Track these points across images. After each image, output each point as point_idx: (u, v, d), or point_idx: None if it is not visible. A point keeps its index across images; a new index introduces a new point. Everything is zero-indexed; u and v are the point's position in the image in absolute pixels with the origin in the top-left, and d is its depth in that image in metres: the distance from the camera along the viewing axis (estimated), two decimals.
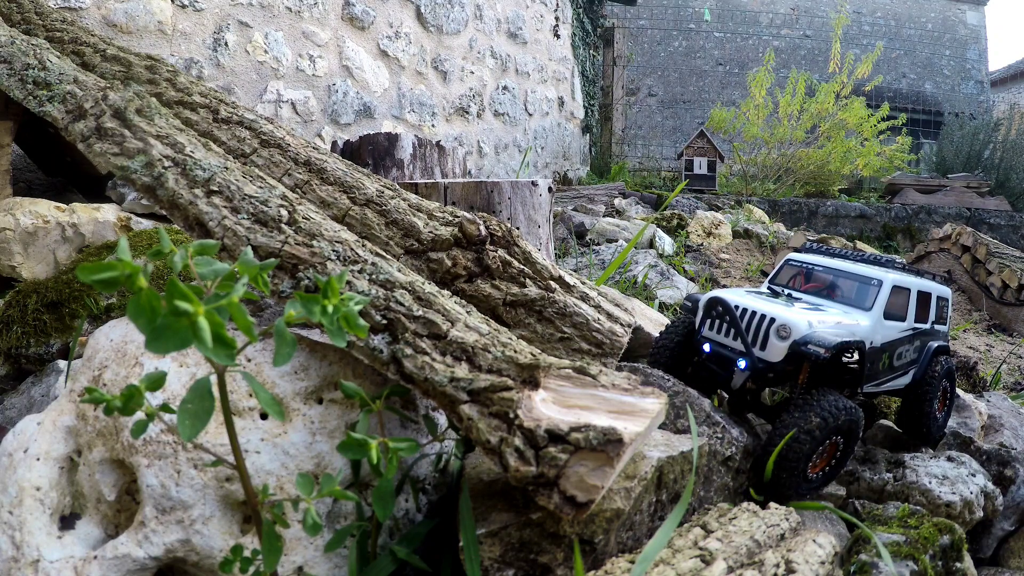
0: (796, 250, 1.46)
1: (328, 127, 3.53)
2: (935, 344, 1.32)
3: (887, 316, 1.20)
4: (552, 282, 1.08)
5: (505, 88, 5.24)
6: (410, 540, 0.82)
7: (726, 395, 1.27)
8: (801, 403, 1.06)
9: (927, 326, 1.32)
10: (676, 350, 1.26)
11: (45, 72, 1.09)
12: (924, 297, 1.31)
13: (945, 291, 1.40)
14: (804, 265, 1.34)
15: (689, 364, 1.27)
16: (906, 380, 1.27)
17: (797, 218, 6.39)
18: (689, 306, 1.24)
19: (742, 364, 1.12)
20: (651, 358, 1.27)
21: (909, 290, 1.26)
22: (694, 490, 0.93)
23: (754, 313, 1.12)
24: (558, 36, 6.15)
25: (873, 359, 1.16)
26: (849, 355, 1.13)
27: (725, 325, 1.17)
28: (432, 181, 1.58)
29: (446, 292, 0.91)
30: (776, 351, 1.08)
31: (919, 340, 1.29)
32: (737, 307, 1.15)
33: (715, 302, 1.16)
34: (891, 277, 1.23)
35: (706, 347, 1.19)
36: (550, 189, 1.67)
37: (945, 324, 1.40)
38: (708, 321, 1.19)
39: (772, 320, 1.09)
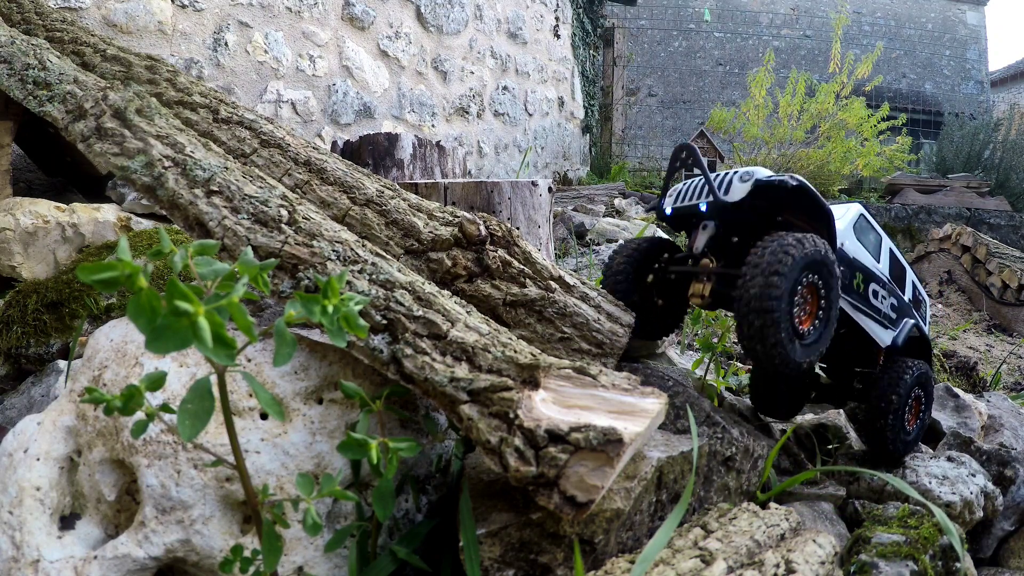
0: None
1: (328, 127, 3.53)
2: (911, 322, 1.27)
3: (860, 241, 1.17)
4: (552, 282, 1.08)
5: (505, 88, 5.24)
6: (410, 540, 0.82)
7: (688, 308, 1.21)
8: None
9: (904, 297, 1.28)
10: (634, 263, 1.20)
11: (45, 72, 1.09)
12: (897, 262, 1.28)
13: (920, 286, 1.37)
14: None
15: (644, 285, 1.22)
16: (884, 336, 1.20)
17: None
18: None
19: (703, 206, 1.06)
20: (606, 277, 1.22)
21: (880, 237, 1.24)
22: (694, 490, 0.93)
23: (721, 173, 1.08)
24: (558, 36, 6.15)
25: (846, 267, 1.12)
26: (815, 199, 1.04)
27: (687, 186, 1.12)
28: (432, 181, 1.58)
29: (446, 292, 0.91)
30: (738, 191, 1.02)
31: (896, 301, 1.24)
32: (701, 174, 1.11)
33: (682, 148, 1.10)
34: (857, 206, 1.22)
35: (668, 209, 1.14)
36: (550, 189, 1.67)
37: (924, 315, 1.36)
38: (670, 192, 1.16)
39: (735, 170, 1.06)
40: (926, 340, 1.32)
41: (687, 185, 1.13)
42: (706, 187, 1.06)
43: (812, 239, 0.95)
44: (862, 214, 1.21)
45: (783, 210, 1.07)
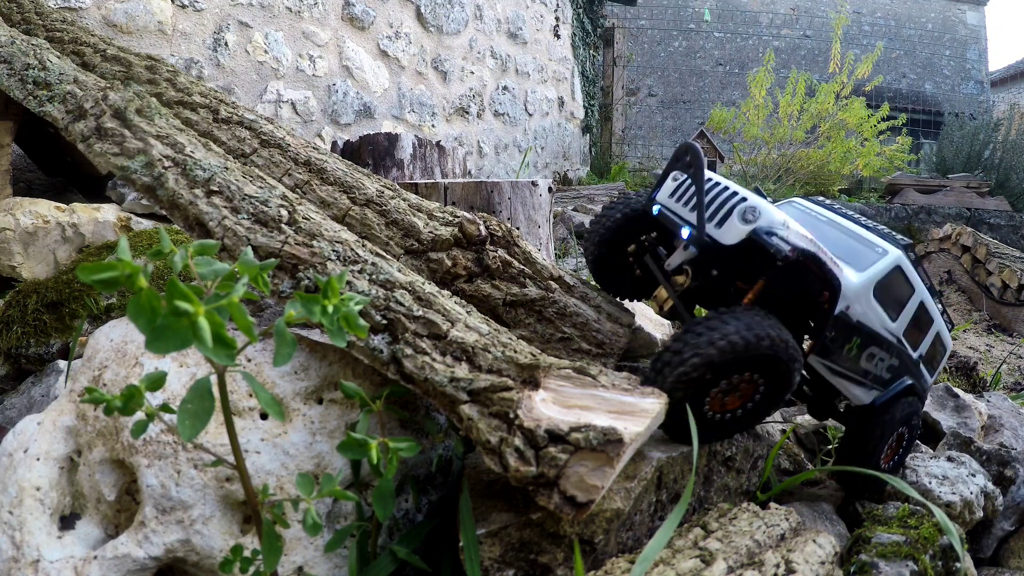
0: (804, 196, 1.25)
1: (328, 127, 3.53)
2: (910, 381, 1.09)
3: (877, 298, 1.00)
4: (552, 282, 1.08)
5: (505, 88, 5.24)
6: (410, 540, 0.82)
7: (660, 302, 1.06)
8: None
9: (914, 354, 1.09)
10: (617, 230, 1.11)
11: (45, 72, 1.09)
12: (923, 316, 1.09)
13: (947, 335, 1.17)
14: (805, 210, 1.15)
15: (625, 252, 1.14)
16: (863, 397, 1.06)
17: None
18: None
19: (685, 232, 0.95)
20: (586, 241, 1.15)
21: (913, 289, 1.06)
22: (694, 490, 0.93)
23: (726, 188, 0.94)
24: (558, 36, 6.15)
25: (841, 332, 0.97)
26: (819, 270, 0.90)
27: (684, 189, 1.00)
28: (432, 181, 1.59)
29: (446, 292, 0.91)
30: (732, 232, 0.89)
31: (899, 360, 1.06)
32: (710, 180, 0.96)
33: (686, 148, 0.97)
34: (898, 253, 1.02)
35: (655, 208, 1.03)
36: (550, 189, 1.68)
37: (933, 372, 1.17)
38: (668, 182, 1.05)
39: (743, 200, 0.91)
40: (920, 396, 1.14)
41: (687, 187, 1.01)
42: (696, 201, 0.94)
43: (773, 339, 0.83)
44: (899, 267, 1.02)
45: (811, 271, 0.91)
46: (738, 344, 0.81)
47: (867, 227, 1.09)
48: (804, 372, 1.09)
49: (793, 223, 0.90)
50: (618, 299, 1.20)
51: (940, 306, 1.14)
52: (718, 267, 0.97)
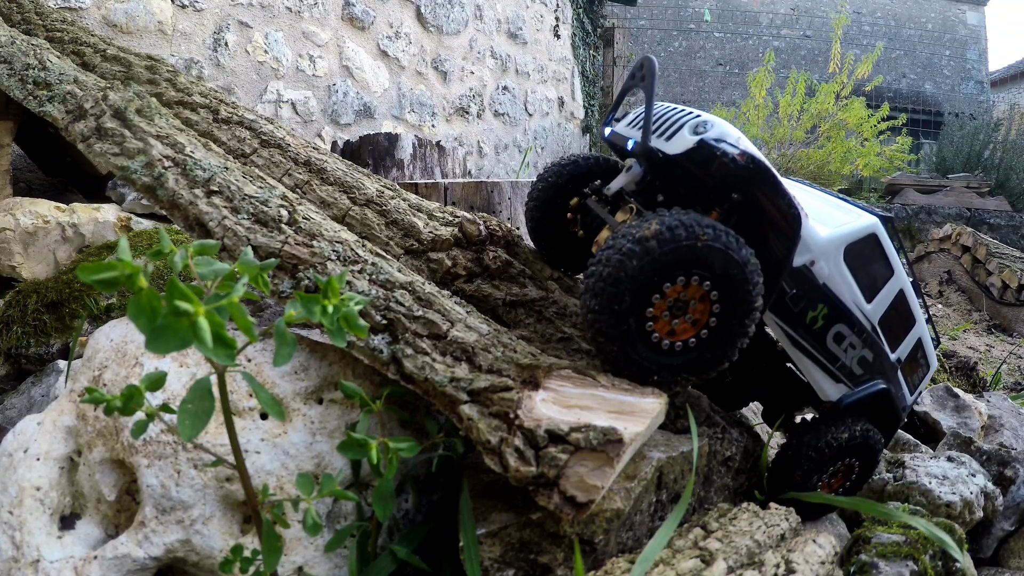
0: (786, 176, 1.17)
1: (328, 127, 3.53)
2: (884, 385, 0.99)
3: (849, 266, 0.91)
4: (552, 282, 1.08)
5: (505, 88, 5.24)
6: (410, 540, 0.82)
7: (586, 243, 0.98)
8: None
9: (892, 354, 1.00)
10: (557, 186, 1.03)
11: (45, 72, 1.09)
12: (903, 312, 1.00)
13: (931, 349, 1.08)
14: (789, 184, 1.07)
15: (565, 210, 1.06)
16: (829, 390, 0.96)
17: None
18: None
19: (631, 143, 0.87)
20: (526, 203, 1.08)
21: (892, 270, 0.96)
22: (694, 490, 0.93)
23: (684, 109, 0.87)
24: (558, 36, 6.15)
25: (804, 291, 0.88)
26: (772, 191, 0.81)
27: (638, 116, 0.92)
28: (432, 181, 1.59)
29: (446, 292, 0.91)
30: (680, 143, 0.81)
31: (873, 354, 0.97)
32: (674, 107, 0.88)
33: (644, 61, 0.87)
34: (874, 220, 0.94)
35: (607, 132, 0.97)
36: None
37: (913, 389, 1.07)
38: (628, 118, 0.98)
39: (697, 116, 0.84)
40: (894, 411, 1.04)
41: (643, 111, 0.91)
42: (645, 111, 0.85)
43: (716, 228, 0.74)
44: (874, 234, 0.94)
45: (741, 189, 0.82)
46: (676, 229, 0.71)
47: (848, 201, 1.02)
48: (771, 364, 1.04)
49: (747, 140, 0.83)
50: (562, 271, 1.11)
51: (926, 313, 1.05)
52: (665, 193, 0.87)
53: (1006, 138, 8.07)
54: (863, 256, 0.93)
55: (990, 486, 1.18)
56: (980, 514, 1.14)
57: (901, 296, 0.99)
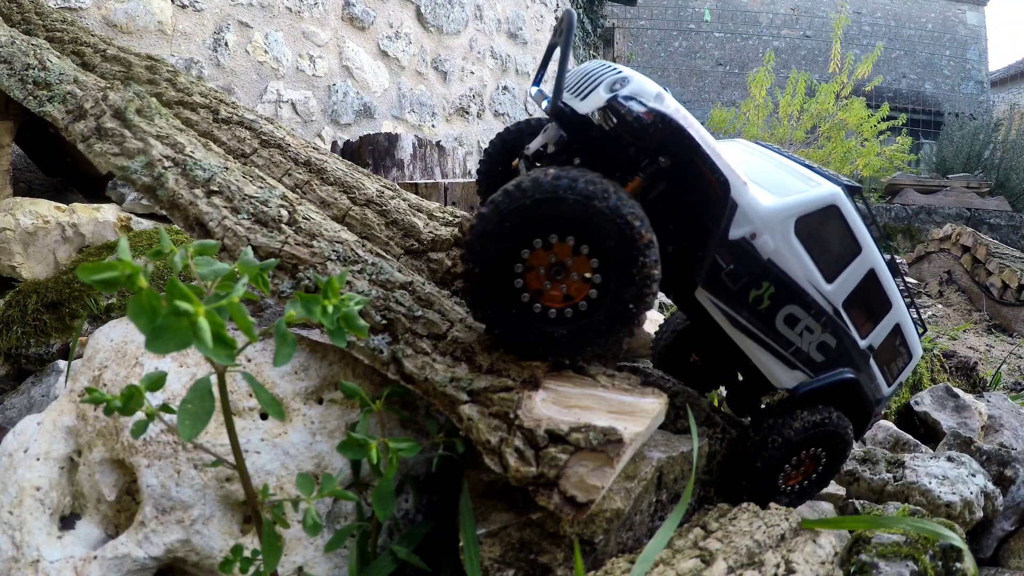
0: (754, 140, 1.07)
1: (328, 127, 3.53)
2: (851, 374, 0.91)
3: (803, 242, 0.82)
4: None
5: (505, 88, 5.24)
6: (410, 540, 0.82)
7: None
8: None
9: (861, 340, 0.91)
10: (501, 150, 0.97)
11: (45, 72, 1.09)
12: (875, 293, 0.90)
13: (914, 336, 0.99)
14: (747, 147, 1.00)
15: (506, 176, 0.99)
16: (783, 377, 0.89)
17: None
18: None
19: (545, 103, 0.79)
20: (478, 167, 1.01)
21: (859, 247, 0.86)
22: (694, 490, 0.93)
23: (614, 68, 0.79)
24: None
25: (744, 266, 0.80)
26: (687, 150, 0.73)
27: (572, 76, 0.86)
28: (432, 181, 1.58)
29: (446, 292, 0.91)
30: (593, 101, 0.74)
31: (836, 341, 0.89)
32: (613, 67, 0.80)
33: (564, 15, 0.79)
34: (834, 190, 0.84)
35: (533, 90, 0.91)
36: None
37: (892, 380, 0.99)
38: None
39: (618, 73, 0.77)
40: (864, 402, 0.96)
41: (581, 76, 0.84)
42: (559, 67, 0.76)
43: (595, 186, 0.67)
44: (834, 205, 0.84)
45: (669, 153, 0.75)
46: (543, 182, 0.66)
47: (813, 169, 0.92)
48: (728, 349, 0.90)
49: (670, 98, 0.75)
50: None
51: (908, 297, 0.96)
52: (583, 156, 0.80)
53: (1006, 138, 8.08)
54: (821, 230, 0.83)
55: (990, 486, 1.18)
56: (980, 514, 1.14)
57: (872, 277, 0.89)
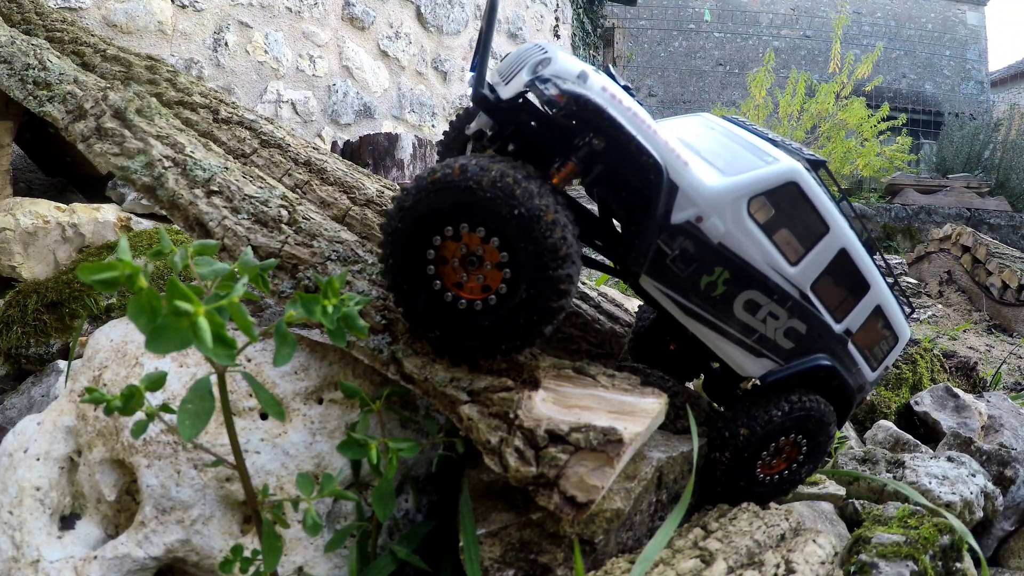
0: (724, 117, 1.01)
1: (328, 127, 3.53)
2: (827, 361, 0.87)
3: (760, 224, 0.78)
4: None
5: None
6: (410, 540, 0.82)
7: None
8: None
9: (836, 325, 0.86)
10: (458, 133, 0.93)
11: (45, 72, 1.09)
12: (850, 275, 0.85)
13: (900, 318, 0.94)
14: (707, 123, 0.95)
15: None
16: (748, 365, 0.85)
17: None
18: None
19: (471, 78, 0.76)
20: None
21: (827, 227, 0.82)
22: (694, 490, 0.93)
23: (541, 48, 0.76)
24: (558, 36, 6.15)
25: (691, 252, 0.76)
26: (610, 129, 0.70)
27: (507, 60, 0.84)
28: None
29: None
30: (513, 85, 0.74)
31: (807, 327, 0.84)
32: (542, 45, 0.78)
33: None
34: (793, 165, 0.79)
35: (469, 75, 0.84)
36: None
37: (876, 365, 0.95)
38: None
39: (544, 54, 0.74)
40: (845, 389, 0.92)
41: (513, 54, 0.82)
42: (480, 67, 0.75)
43: (503, 175, 0.65)
44: (793, 182, 0.79)
45: (602, 135, 0.71)
46: (449, 171, 0.65)
47: (775, 143, 0.87)
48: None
49: (597, 77, 0.72)
50: None
51: (890, 277, 0.90)
52: (516, 141, 0.78)
53: (1006, 138, 8.08)
54: (779, 210, 0.79)
55: (990, 486, 1.18)
56: (980, 514, 1.14)
57: (843, 257, 0.84)
